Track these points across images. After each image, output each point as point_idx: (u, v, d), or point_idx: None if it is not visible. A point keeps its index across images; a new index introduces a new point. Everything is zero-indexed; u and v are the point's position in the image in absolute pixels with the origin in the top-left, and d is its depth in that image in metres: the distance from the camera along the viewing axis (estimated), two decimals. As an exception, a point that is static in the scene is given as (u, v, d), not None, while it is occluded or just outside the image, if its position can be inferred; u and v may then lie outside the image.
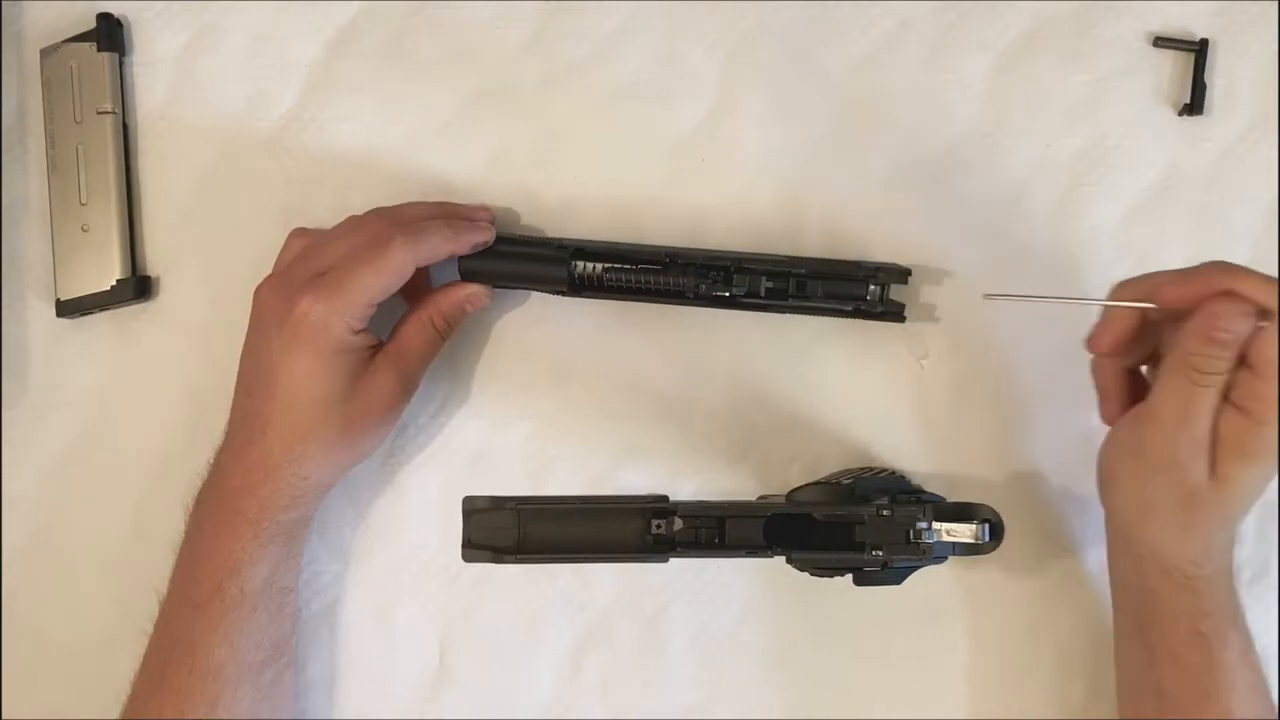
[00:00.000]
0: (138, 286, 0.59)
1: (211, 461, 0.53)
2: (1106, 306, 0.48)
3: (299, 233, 0.56)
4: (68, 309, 0.59)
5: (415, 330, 0.54)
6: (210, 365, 0.59)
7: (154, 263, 0.60)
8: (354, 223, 0.54)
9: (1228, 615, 0.48)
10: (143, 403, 0.60)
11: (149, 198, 0.60)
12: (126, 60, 0.61)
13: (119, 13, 0.60)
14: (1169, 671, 0.49)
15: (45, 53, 0.60)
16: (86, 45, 0.60)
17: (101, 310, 0.60)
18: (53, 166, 0.60)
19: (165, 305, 0.60)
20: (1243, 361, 0.44)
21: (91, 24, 0.60)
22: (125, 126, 0.60)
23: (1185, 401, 0.45)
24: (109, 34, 0.60)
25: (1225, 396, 0.45)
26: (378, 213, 0.55)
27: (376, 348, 0.53)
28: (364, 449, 0.54)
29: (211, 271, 0.60)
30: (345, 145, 0.60)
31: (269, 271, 0.54)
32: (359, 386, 0.52)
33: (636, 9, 0.59)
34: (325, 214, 0.59)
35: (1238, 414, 0.45)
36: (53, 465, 0.60)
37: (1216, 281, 0.44)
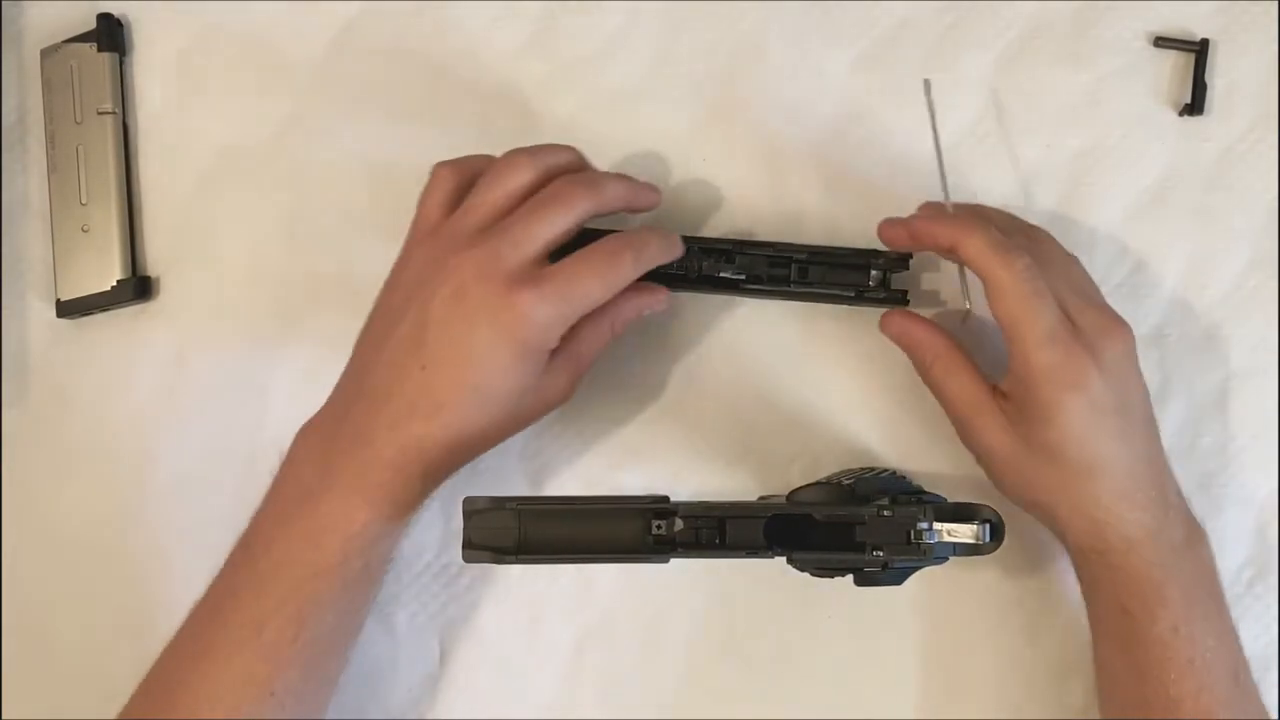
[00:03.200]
0: (138, 287, 0.59)
1: (332, 418, 0.50)
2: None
3: (448, 169, 0.51)
4: (68, 309, 0.59)
5: (594, 335, 0.52)
6: (211, 366, 0.59)
7: (154, 263, 0.60)
8: (530, 176, 0.49)
9: (1152, 591, 0.47)
10: (143, 403, 0.60)
11: (149, 198, 0.60)
12: (126, 60, 0.61)
13: (119, 13, 0.61)
14: (1105, 647, 0.50)
15: (45, 53, 0.61)
16: (87, 45, 0.60)
17: (102, 311, 0.60)
18: (53, 167, 0.60)
19: (165, 305, 0.60)
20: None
21: (92, 24, 0.60)
22: (125, 126, 0.60)
23: (932, 386, 0.51)
24: (109, 34, 0.60)
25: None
26: (551, 162, 0.50)
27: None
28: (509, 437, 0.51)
29: (211, 272, 0.60)
30: (345, 145, 0.60)
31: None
32: (538, 386, 0.49)
33: (636, 9, 0.59)
34: (326, 214, 0.59)
35: (1013, 374, 0.47)
36: (53, 465, 0.60)
37: (952, 236, 0.48)
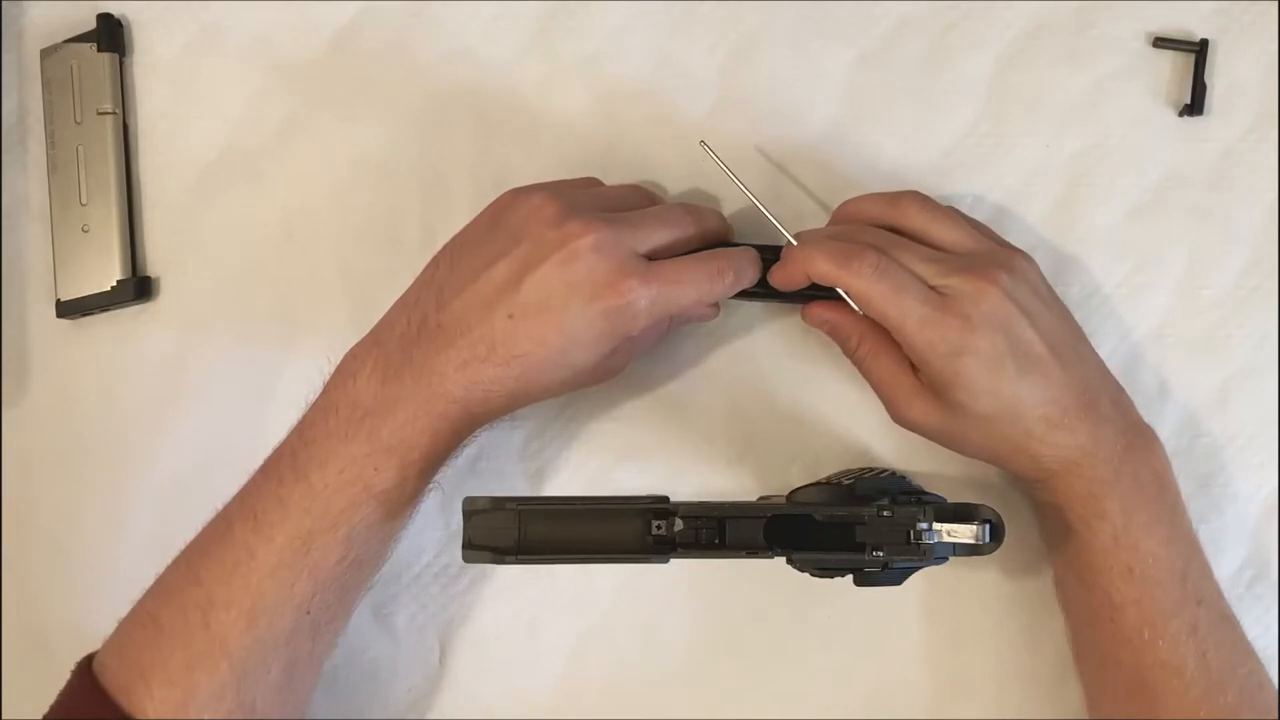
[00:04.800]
0: (138, 287, 0.59)
1: (394, 344, 0.49)
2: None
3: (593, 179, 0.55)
4: (68, 309, 0.59)
5: (657, 326, 0.53)
6: (211, 366, 0.59)
7: (154, 263, 0.60)
8: (676, 207, 0.52)
9: (1091, 505, 0.49)
10: (143, 403, 0.60)
11: (149, 198, 0.60)
12: (127, 60, 0.61)
13: (119, 13, 0.61)
14: (1054, 563, 0.53)
15: (45, 53, 0.61)
16: (87, 45, 0.60)
17: (102, 311, 0.60)
18: (53, 167, 0.60)
19: (165, 306, 0.60)
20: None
21: (92, 24, 0.60)
22: (125, 127, 0.60)
23: (861, 369, 0.52)
24: (109, 34, 0.60)
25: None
26: (695, 212, 0.53)
27: None
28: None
29: (211, 272, 0.60)
30: (345, 145, 0.60)
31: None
32: (602, 362, 0.50)
33: (636, 9, 0.59)
34: (325, 214, 0.59)
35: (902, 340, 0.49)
36: (53, 465, 0.60)
37: (803, 267, 0.50)
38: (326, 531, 0.47)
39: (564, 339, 0.47)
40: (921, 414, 0.50)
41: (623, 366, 0.53)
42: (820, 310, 0.52)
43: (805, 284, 0.50)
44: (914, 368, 0.50)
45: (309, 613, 0.48)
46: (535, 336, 0.47)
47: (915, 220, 0.52)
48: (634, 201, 0.54)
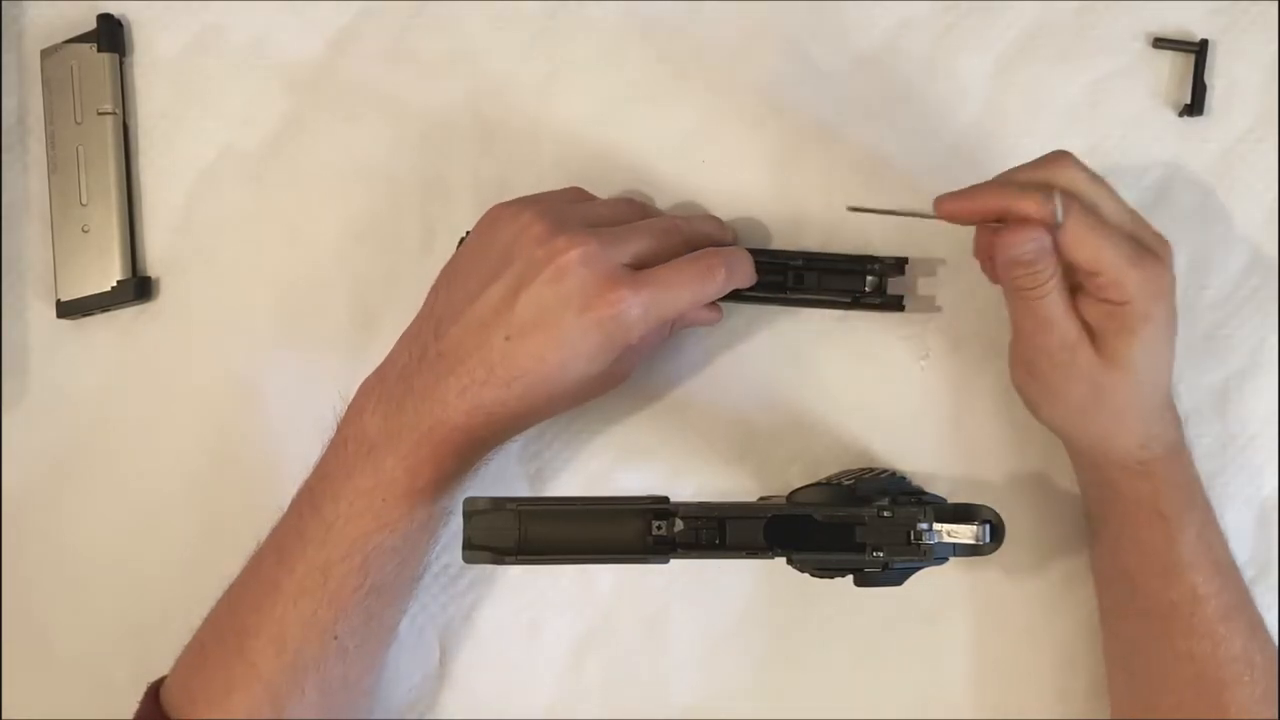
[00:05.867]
0: (138, 287, 0.59)
1: (398, 374, 0.50)
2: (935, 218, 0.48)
3: (577, 189, 0.55)
4: (68, 310, 0.59)
5: (658, 332, 0.54)
6: (211, 366, 0.59)
7: (154, 263, 0.60)
8: (661, 220, 0.53)
9: (1184, 495, 0.50)
10: (143, 404, 0.60)
11: (149, 198, 0.60)
12: (127, 61, 0.61)
13: (119, 13, 0.61)
14: (1133, 555, 0.51)
15: (45, 53, 0.61)
16: (87, 46, 0.60)
17: (102, 311, 0.60)
18: (53, 167, 0.60)
19: (165, 306, 0.60)
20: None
21: (92, 24, 0.60)
22: (125, 127, 0.60)
23: (1035, 316, 0.47)
24: (109, 34, 0.60)
25: (1079, 288, 0.47)
26: (685, 220, 0.54)
27: None
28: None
29: (211, 272, 0.60)
30: (345, 146, 0.60)
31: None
32: (604, 374, 0.51)
33: (636, 9, 0.59)
34: (325, 214, 0.59)
35: (1100, 302, 0.47)
36: (53, 465, 0.60)
37: (993, 203, 0.46)
38: (342, 561, 0.49)
39: (562, 354, 0.47)
40: (1086, 360, 0.47)
41: (626, 375, 0.53)
42: (1032, 234, 0.46)
43: (989, 218, 0.47)
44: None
45: (336, 638, 0.49)
46: (533, 354, 0.47)
47: (1076, 181, 0.48)
48: (624, 214, 0.53)
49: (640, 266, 0.49)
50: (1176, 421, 0.51)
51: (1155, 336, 0.48)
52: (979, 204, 0.47)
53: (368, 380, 0.51)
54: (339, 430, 0.51)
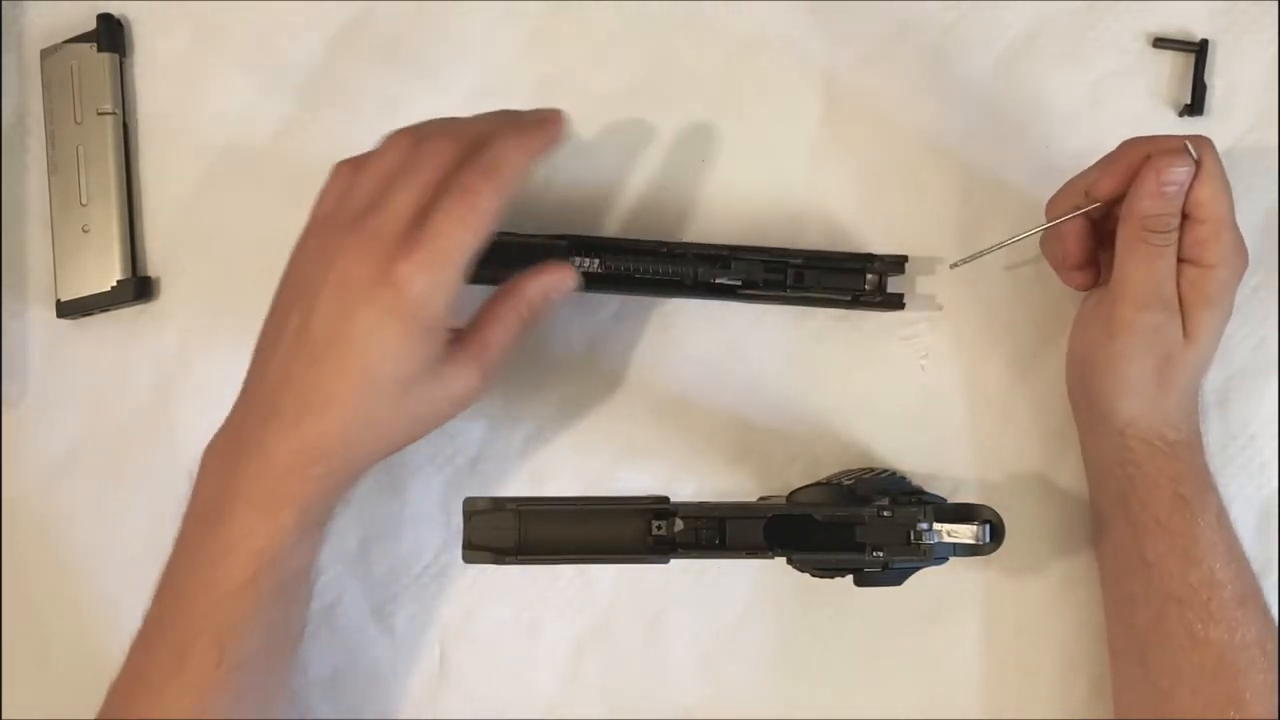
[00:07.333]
0: (138, 287, 0.59)
1: (230, 430, 0.48)
2: (1060, 224, 0.51)
3: (346, 165, 0.49)
4: (68, 310, 0.59)
5: (499, 322, 0.49)
6: (211, 366, 0.59)
7: (154, 263, 0.60)
8: (406, 150, 0.47)
9: (1204, 479, 0.51)
10: (143, 404, 0.60)
11: (149, 198, 0.60)
12: (127, 60, 0.61)
13: (119, 13, 0.61)
14: (1153, 540, 0.50)
15: (45, 53, 0.61)
16: (87, 46, 0.60)
17: (102, 311, 0.60)
18: (53, 167, 0.60)
19: (165, 306, 0.60)
20: (1183, 215, 0.48)
21: (92, 24, 0.60)
22: (125, 127, 0.60)
23: (1150, 266, 0.48)
24: (109, 34, 0.60)
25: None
26: (428, 131, 0.48)
27: (453, 332, 0.48)
28: (419, 438, 0.49)
29: (211, 272, 0.60)
30: (345, 146, 0.59)
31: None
32: (437, 375, 0.46)
33: (636, 9, 0.59)
34: (325, 214, 0.59)
35: (1190, 266, 0.48)
36: (53, 466, 0.60)
37: (1137, 154, 0.48)
38: (195, 640, 0.46)
39: (364, 359, 0.44)
40: (1173, 330, 0.48)
41: (475, 379, 0.48)
42: (1184, 160, 0.47)
43: (1130, 178, 0.48)
44: None
45: None
46: (336, 370, 0.44)
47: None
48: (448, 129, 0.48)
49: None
50: (1199, 407, 0.52)
51: (1223, 316, 0.49)
52: (1120, 164, 0.49)
53: (207, 446, 0.48)
54: (187, 503, 0.48)
